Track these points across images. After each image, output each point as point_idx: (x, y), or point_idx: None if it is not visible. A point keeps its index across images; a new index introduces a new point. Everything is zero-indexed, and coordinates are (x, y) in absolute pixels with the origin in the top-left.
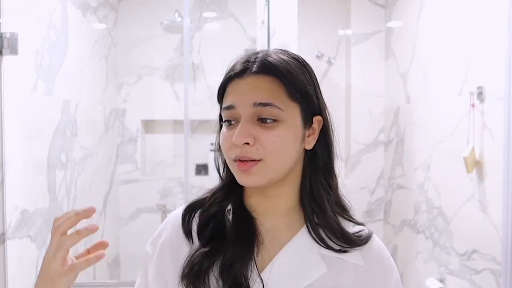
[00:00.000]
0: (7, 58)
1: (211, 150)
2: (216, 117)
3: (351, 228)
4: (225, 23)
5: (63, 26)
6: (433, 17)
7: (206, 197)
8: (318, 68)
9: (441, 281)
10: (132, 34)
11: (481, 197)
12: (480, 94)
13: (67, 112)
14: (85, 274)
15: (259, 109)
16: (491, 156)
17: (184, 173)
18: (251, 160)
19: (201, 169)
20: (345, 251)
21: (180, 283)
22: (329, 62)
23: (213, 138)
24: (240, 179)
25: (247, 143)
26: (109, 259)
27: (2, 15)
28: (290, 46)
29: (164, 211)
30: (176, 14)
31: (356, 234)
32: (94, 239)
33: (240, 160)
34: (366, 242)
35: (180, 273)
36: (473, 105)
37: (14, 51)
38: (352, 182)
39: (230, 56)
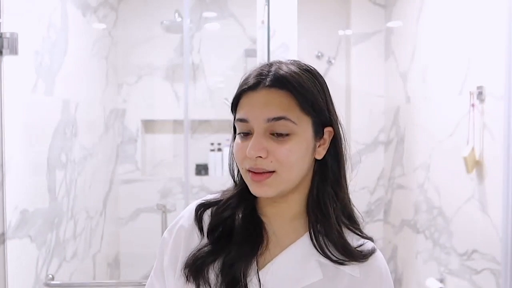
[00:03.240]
0: (7, 58)
1: (211, 150)
2: (216, 117)
3: (355, 242)
4: (225, 23)
5: (63, 26)
6: (433, 17)
7: (221, 199)
8: (318, 68)
9: (441, 281)
10: (132, 34)
11: (481, 197)
12: (480, 94)
13: (67, 112)
14: (85, 274)
15: (273, 124)
16: (491, 156)
17: (184, 173)
18: (264, 172)
19: (201, 169)
20: (342, 263)
21: (183, 270)
22: (329, 62)
23: (213, 138)
24: (253, 189)
25: (260, 156)
26: (109, 259)
27: (2, 15)
28: (290, 46)
29: (164, 211)
30: (176, 14)
31: (358, 249)
32: (94, 239)
33: (253, 172)
34: (366, 259)
35: (184, 261)
36: (473, 105)
37: (14, 51)
38: (352, 182)
39: (230, 56)
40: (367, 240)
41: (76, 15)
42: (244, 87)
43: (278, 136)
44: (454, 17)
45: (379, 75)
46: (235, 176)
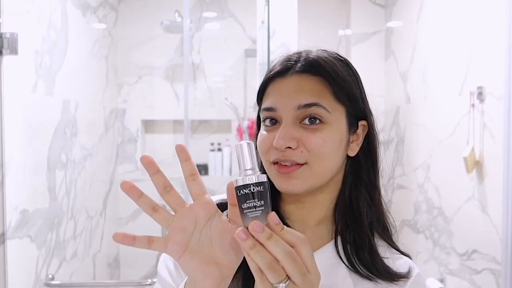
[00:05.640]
0: (7, 58)
1: (211, 150)
2: (216, 117)
3: (388, 255)
4: (225, 23)
5: (63, 26)
6: (433, 17)
7: None
8: None
9: (441, 281)
10: (132, 34)
11: (481, 197)
12: (480, 94)
13: (67, 112)
14: (85, 274)
15: (304, 110)
16: (491, 156)
17: None
18: (293, 164)
19: (201, 169)
20: (370, 279)
21: None
22: None
23: (213, 138)
24: (279, 183)
25: (289, 147)
26: (109, 259)
27: (2, 15)
28: (290, 46)
29: None
30: (176, 14)
31: (392, 267)
32: (94, 239)
33: (280, 164)
34: (397, 280)
35: None
36: (473, 105)
37: (14, 51)
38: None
39: (230, 56)
40: (403, 256)
41: (76, 15)
42: (271, 74)
43: (310, 124)
44: (454, 17)
45: (379, 75)
46: None
